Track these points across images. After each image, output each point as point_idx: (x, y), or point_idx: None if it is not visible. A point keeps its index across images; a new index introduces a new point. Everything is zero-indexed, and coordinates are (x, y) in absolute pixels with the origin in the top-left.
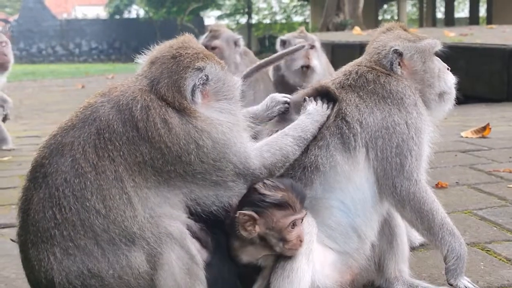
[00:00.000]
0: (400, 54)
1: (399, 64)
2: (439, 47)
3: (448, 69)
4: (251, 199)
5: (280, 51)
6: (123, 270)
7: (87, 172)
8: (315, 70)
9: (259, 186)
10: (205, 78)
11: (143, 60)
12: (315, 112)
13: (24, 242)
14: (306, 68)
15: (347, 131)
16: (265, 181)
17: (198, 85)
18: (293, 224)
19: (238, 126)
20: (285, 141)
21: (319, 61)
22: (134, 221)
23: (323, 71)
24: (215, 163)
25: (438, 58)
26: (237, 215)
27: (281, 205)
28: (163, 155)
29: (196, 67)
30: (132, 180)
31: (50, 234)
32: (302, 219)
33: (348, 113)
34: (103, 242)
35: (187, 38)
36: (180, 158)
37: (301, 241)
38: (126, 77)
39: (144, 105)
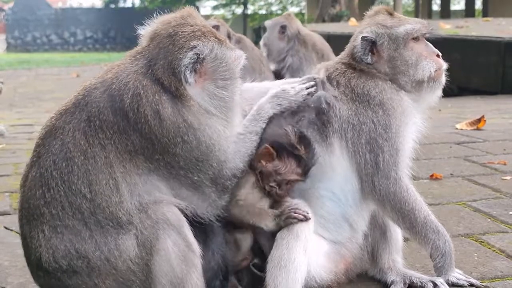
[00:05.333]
0: (373, 42)
1: (372, 52)
2: (421, 32)
3: (438, 55)
4: (282, 140)
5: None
6: (110, 252)
7: (75, 157)
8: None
9: (292, 131)
10: (195, 57)
11: (145, 32)
12: (282, 95)
13: (20, 218)
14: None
15: (320, 120)
16: (299, 132)
17: (189, 64)
18: (290, 183)
19: (227, 121)
20: (251, 142)
21: None
22: (119, 207)
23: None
24: (198, 162)
25: (427, 43)
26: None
27: (300, 163)
28: (153, 145)
29: (190, 46)
30: (122, 167)
31: (40, 211)
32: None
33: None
34: (91, 224)
35: (187, 12)
36: (168, 149)
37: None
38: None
39: (136, 93)
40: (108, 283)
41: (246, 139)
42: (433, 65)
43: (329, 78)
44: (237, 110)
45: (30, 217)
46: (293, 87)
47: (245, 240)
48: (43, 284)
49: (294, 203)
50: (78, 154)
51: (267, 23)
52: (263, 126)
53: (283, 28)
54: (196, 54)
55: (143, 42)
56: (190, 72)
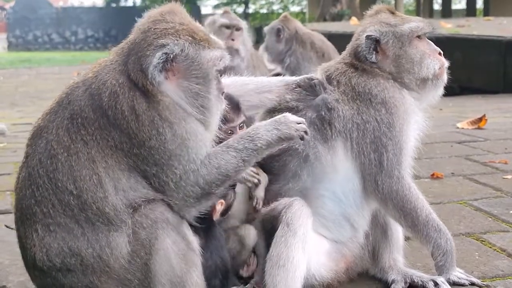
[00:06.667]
0: (377, 40)
1: (376, 50)
2: (424, 30)
3: (440, 53)
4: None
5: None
6: (102, 250)
7: (58, 154)
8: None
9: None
10: (164, 57)
11: (135, 26)
12: (284, 121)
13: (16, 221)
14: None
15: (321, 121)
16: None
17: (158, 64)
18: (231, 131)
19: (204, 122)
20: (227, 157)
21: None
22: (105, 202)
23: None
24: (171, 157)
25: (429, 41)
26: None
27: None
28: (131, 139)
29: (159, 44)
30: (104, 162)
31: (32, 211)
32: (241, 125)
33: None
34: (82, 221)
35: (168, 9)
36: (144, 143)
37: None
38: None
39: (113, 91)
40: (104, 280)
41: (221, 151)
42: (436, 62)
43: (329, 79)
44: (214, 111)
45: (24, 217)
46: (295, 117)
47: (249, 237)
48: (40, 284)
49: (290, 201)
50: (62, 151)
51: (266, 29)
52: (250, 147)
53: (278, 31)
54: (165, 53)
55: (129, 37)
56: (160, 71)
